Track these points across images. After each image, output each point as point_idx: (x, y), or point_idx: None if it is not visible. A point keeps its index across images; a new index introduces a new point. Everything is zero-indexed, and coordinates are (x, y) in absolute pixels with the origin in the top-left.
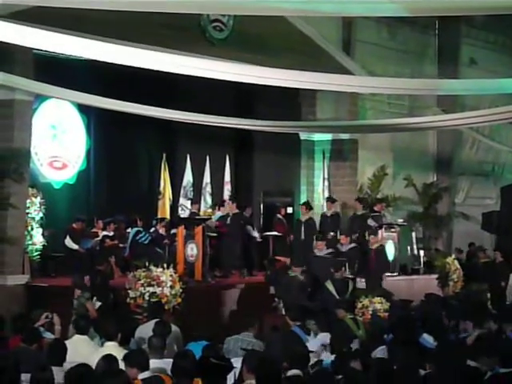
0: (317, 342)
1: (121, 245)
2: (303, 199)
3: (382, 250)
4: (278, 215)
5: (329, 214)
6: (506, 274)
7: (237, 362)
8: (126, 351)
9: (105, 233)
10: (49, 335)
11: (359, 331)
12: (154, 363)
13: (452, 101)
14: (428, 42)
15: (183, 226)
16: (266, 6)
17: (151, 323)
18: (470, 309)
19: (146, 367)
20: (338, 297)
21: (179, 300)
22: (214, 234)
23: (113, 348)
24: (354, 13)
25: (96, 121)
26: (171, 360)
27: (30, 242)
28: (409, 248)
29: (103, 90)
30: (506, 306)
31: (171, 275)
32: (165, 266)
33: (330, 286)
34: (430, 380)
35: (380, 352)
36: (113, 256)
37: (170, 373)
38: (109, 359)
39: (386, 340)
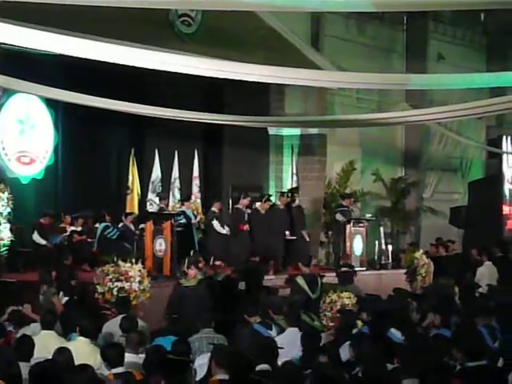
0: (285, 338)
1: (89, 240)
2: (271, 194)
3: None
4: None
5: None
6: (474, 268)
7: (203, 359)
8: (95, 347)
9: (73, 228)
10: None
11: (314, 322)
12: (129, 358)
13: (420, 96)
14: (396, 37)
15: (151, 221)
16: (234, 0)
17: (119, 318)
18: (437, 303)
19: (120, 362)
20: (309, 292)
21: (148, 295)
22: (182, 229)
23: (83, 343)
24: (323, 8)
25: (64, 116)
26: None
27: None
28: (377, 243)
29: (71, 84)
30: (473, 300)
31: (139, 270)
32: (133, 261)
33: (300, 280)
34: (398, 374)
35: (347, 346)
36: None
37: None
38: (63, 353)
39: (353, 335)
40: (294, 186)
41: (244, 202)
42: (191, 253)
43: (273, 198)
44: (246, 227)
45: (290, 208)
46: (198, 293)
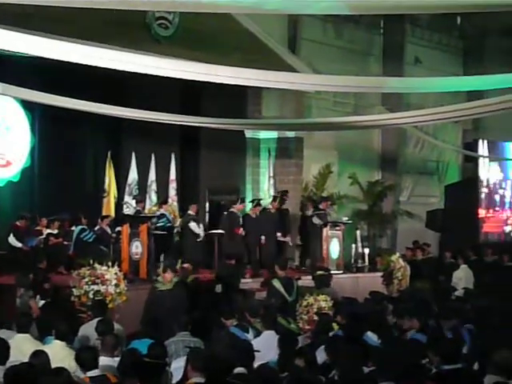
0: (261, 341)
1: (65, 243)
2: (248, 197)
3: None
4: (226, 213)
5: (254, 216)
6: (450, 272)
7: (179, 362)
8: (71, 350)
9: (49, 231)
10: None
11: (291, 325)
12: (104, 361)
13: (397, 99)
14: (373, 40)
15: (128, 224)
16: (211, 3)
17: (95, 321)
18: (414, 306)
19: (94, 365)
20: (286, 295)
21: (124, 298)
22: (160, 232)
23: (58, 346)
24: (299, 11)
25: (40, 118)
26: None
27: None
28: (353, 246)
29: (47, 86)
30: (449, 304)
31: (116, 273)
32: (109, 264)
33: (277, 283)
34: (374, 377)
35: (323, 350)
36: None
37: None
38: (39, 356)
39: (330, 338)
40: (271, 189)
41: (239, 206)
42: (162, 256)
43: (249, 203)
44: (241, 231)
45: (280, 211)
46: (174, 296)
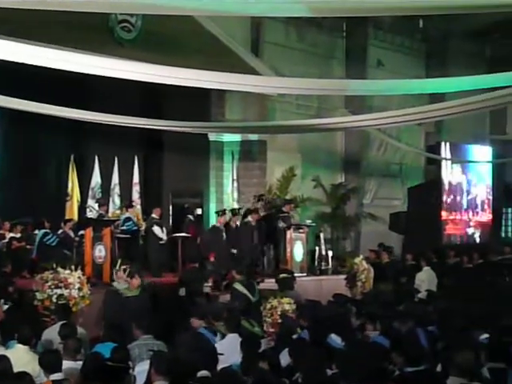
0: (225, 344)
1: (28, 247)
2: (212, 200)
3: None
4: (190, 216)
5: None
6: (412, 274)
7: (143, 366)
8: (34, 354)
9: (12, 234)
10: None
11: (254, 328)
12: (67, 364)
13: (359, 102)
14: (336, 43)
15: (91, 228)
16: (170, 5)
17: (58, 325)
18: (377, 309)
19: (58, 369)
20: (250, 296)
21: (87, 302)
22: (123, 236)
23: (21, 351)
24: (261, 13)
25: (2, 121)
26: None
27: None
28: (317, 249)
29: (6, 89)
30: (412, 306)
31: (79, 277)
32: (73, 267)
33: (239, 286)
34: (337, 380)
35: (287, 353)
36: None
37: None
38: (1, 360)
39: (293, 340)
40: (235, 192)
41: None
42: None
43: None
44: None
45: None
46: (141, 302)
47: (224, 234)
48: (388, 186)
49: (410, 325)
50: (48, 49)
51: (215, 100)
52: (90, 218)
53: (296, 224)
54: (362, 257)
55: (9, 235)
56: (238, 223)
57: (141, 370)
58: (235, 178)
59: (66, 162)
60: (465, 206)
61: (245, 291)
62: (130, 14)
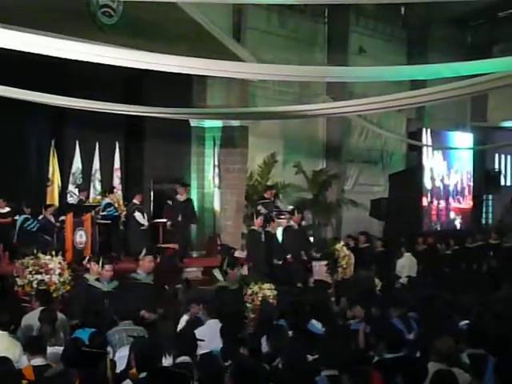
0: (205, 329)
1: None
2: (193, 186)
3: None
4: (169, 201)
5: (182, 200)
6: (393, 261)
7: (123, 351)
8: (14, 339)
9: None
10: None
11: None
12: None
13: (341, 89)
14: (318, 30)
15: (72, 213)
16: None
17: (38, 311)
18: (357, 295)
19: (43, 353)
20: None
21: (68, 287)
22: (104, 221)
23: (1, 336)
24: None
25: None
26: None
27: None
28: None
29: None
30: (392, 292)
31: (60, 263)
32: (53, 253)
33: (218, 274)
34: (317, 365)
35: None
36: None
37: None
38: None
39: (274, 326)
40: (216, 178)
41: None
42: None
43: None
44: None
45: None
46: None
47: None
48: (369, 173)
49: (390, 311)
50: (27, 34)
51: (196, 86)
52: (71, 204)
53: (277, 210)
54: (342, 243)
55: None
56: None
57: (122, 355)
58: (217, 163)
59: (47, 147)
60: (446, 193)
61: (221, 277)
62: None
